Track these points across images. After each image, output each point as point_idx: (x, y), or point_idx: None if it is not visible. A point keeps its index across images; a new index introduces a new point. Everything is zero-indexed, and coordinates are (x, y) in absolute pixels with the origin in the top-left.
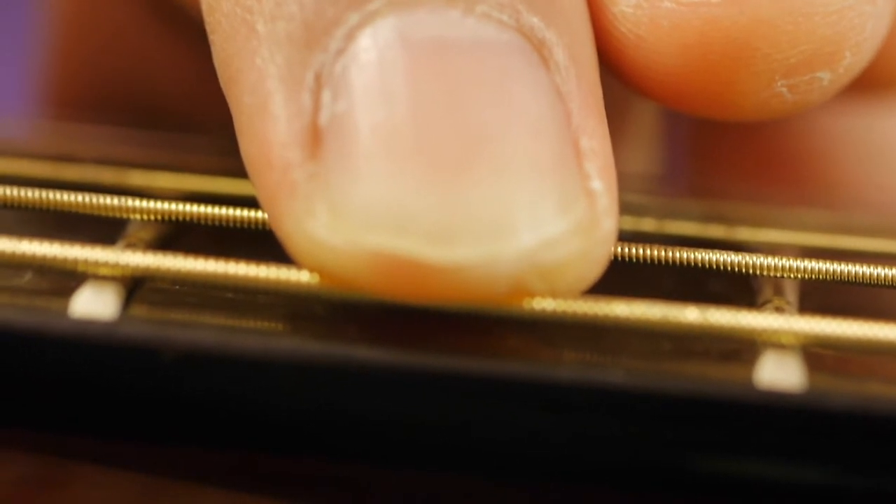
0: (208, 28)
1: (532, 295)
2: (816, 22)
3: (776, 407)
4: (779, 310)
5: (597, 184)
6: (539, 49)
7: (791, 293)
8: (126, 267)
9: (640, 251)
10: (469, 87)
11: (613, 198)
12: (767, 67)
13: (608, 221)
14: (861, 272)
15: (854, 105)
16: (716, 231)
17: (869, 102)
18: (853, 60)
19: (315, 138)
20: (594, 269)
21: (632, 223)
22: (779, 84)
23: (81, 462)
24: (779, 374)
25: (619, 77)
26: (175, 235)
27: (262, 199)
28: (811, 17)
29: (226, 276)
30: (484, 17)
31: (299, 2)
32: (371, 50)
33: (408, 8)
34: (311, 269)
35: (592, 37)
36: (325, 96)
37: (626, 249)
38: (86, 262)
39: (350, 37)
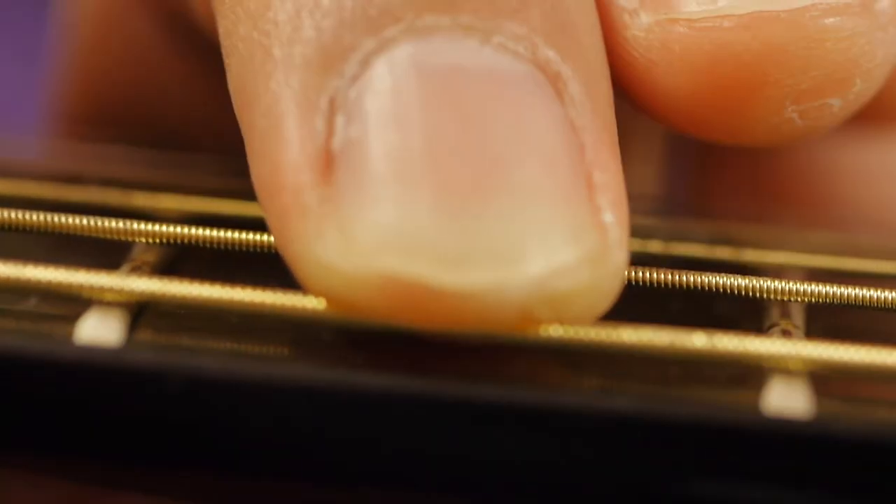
0: (224, 52)
1: (540, 323)
2: (828, 48)
3: (783, 432)
4: (786, 333)
5: (608, 216)
6: (554, 82)
7: (798, 316)
8: (131, 293)
9: (647, 274)
10: (483, 116)
11: (625, 231)
12: (778, 93)
13: (619, 254)
14: (868, 296)
15: (863, 127)
16: (722, 253)
17: (879, 125)
18: (864, 87)
19: (327, 162)
20: (603, 300)
21: (638, 245)
22: (789, 110)
23: (86, 487)
24: (786, 399)
25: (629, 100)
26: (180, 258)
27: (271, 222)
28: (822, 44)
29: (231, 302)
30: (500, 47)
31: (316, 27)
32: (386, 77)
33: (424, 36)
34: (319, 294)
35: (608, 70)
36: (339, 121)
37: (633, 273)
38: (91, 287)
39: (366, 63)
